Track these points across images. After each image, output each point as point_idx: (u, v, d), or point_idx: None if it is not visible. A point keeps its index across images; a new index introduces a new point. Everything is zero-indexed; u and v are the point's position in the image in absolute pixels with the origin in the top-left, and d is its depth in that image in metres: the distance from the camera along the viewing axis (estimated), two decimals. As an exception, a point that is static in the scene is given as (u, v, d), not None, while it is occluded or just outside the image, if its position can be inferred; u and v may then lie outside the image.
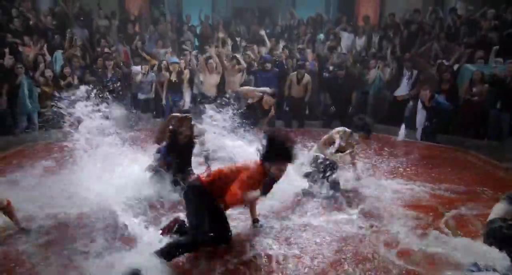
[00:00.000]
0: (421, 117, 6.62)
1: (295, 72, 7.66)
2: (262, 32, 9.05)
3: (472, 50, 7.20)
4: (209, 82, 7.70)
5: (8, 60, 6.77)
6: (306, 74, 7.64)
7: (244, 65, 7.74)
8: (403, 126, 6.64)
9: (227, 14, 12.05)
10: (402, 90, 7.64)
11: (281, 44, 8.94)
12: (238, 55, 7.87)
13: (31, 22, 8.45)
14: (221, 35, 8.99)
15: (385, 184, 4.52)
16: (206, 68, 7.62)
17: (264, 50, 8.62)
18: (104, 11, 9.78)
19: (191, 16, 10.40)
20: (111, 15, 9.71)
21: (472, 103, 6.15)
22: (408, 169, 5.07)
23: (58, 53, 8.01)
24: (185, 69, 7.83)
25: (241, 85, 7.49)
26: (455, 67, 7.22)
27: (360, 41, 9.32)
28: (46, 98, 6.97)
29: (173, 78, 7.61)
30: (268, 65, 7.68)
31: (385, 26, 9.59)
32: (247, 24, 10.57)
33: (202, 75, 7.79)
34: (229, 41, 8.96)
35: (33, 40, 7.78)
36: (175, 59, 8.00)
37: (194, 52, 8.50)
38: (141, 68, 7.98)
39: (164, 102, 7.83)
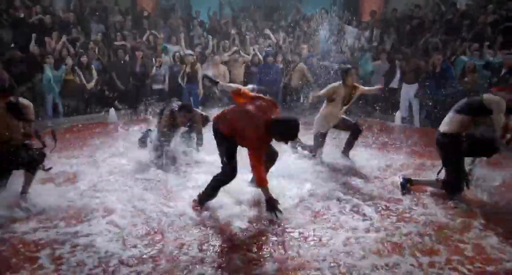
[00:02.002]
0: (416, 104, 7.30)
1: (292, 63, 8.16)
2: (267, 31, 9.41)
3: (469, 44, 7.60)
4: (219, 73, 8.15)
5: (34, 48, 7.55)
6: (300, 63, 8.08)
7: (249, 57, 8.17)
8: (398, 112, 7.38)
9: (234, 9, 12.40)
10: (395, 82, 8.00)
11: (287, 39, 9.33)
12: (239, 49, 8.31)
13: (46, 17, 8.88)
14: (232, 31, 9.38)
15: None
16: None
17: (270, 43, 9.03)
18: (118, 7, 10.20)
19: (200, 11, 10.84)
20: (125, 11, 10.14)
21: (465, 92, 6.55)
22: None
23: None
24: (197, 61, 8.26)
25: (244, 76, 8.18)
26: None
27: (364, 35, 9.69)
28: (71, 88, 7.56)
29: (188, 69, 8.03)
30: (271, 59, 8.03)
31: (386, 21, 9.93)
32: (253, 19, 10.95)
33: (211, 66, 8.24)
34: (237, 37, 9.38)
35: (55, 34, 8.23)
36: (190, 51, 8.43)
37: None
38: (155, 61, 8.43)
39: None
